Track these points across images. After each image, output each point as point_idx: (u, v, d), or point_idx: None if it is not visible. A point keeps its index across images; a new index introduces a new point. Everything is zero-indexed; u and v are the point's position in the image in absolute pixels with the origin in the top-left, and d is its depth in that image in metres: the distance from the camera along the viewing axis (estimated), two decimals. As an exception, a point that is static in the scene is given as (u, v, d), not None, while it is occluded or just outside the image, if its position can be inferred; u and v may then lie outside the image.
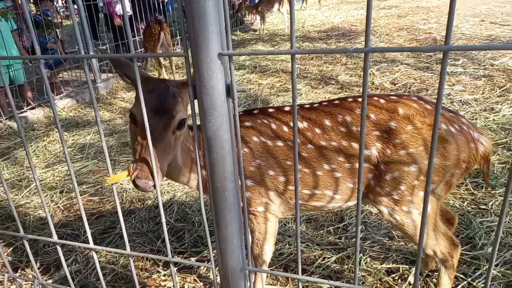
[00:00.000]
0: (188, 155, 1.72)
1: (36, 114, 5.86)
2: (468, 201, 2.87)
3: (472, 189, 2.99)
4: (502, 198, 2.80)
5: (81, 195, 3.59)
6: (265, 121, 1.74)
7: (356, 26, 10.74)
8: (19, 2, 8.16)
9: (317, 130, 1.66)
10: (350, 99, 1.73)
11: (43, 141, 4.97)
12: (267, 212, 1.80)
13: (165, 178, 1.77)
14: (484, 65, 6.09)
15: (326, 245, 2.58)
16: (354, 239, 2.61)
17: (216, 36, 1.04)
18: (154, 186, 1.35)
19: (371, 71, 6.40)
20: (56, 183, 3.82)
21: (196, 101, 1.14)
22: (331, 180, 1.70)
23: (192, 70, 1.11)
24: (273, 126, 1.72)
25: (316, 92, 5.78)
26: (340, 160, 1.65)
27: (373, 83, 5.85)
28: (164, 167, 1.45)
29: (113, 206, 3.35)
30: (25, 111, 5.85)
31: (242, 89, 1.20)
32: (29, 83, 6.27)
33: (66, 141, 4.81)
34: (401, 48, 0.91)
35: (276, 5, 11.15)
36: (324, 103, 1.76)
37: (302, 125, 1.69)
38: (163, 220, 1.38)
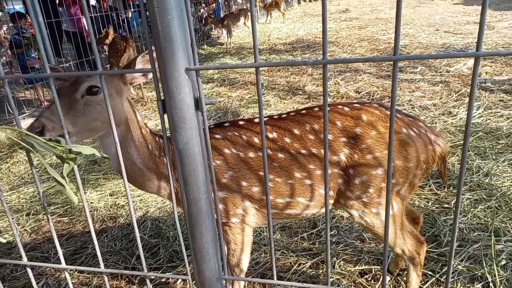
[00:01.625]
0: (151, 160, 1.75)
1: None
2: (432, 201, 3.01)
3: (435, 189, 3.15)
4: (464, 197, 2.96)
5: (50, 216, 3.48)
6: (236, 133, 1.78)
7: (319, 37, 11.07)
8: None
9: (287, 140, 1.72)
10: (316, 109, 1.81)
11: (6, 162, 4.78)
12: (242, 223, 1.83)
13: (132, 186, 1.81)
14: (440, 72, 6.44)
15: (301, 252, 2.63)
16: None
17: (183, 52, 1.08)
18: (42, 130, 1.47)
19: (336, 80, 6.61)
20: (22, 205, 3.68)
21: (166, 115, 1.18)
22: (303, 187, 1.76)
23: (160, 85, 1.15)
24: (244, 137, 1.77)
25: (284, 103, 5.90)
26: (311, 168, 1.72)
27: (338, 92, 6.04)
28: (68, 126, 1.52)
29: (83, 226, 3.27)
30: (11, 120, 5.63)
31: (211, 101, 1.24)
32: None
33: (25, 161, 4.65)
34: (356, 58, 0.99)
35: (242, 19, 11.33)
36: (292, 113, 1.83)
37: (272, 135, 1.74)
38: (137, 234, 1.39)
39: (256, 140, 1.76)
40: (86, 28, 7.87)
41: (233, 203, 1.76)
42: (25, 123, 6.02)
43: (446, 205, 2.95)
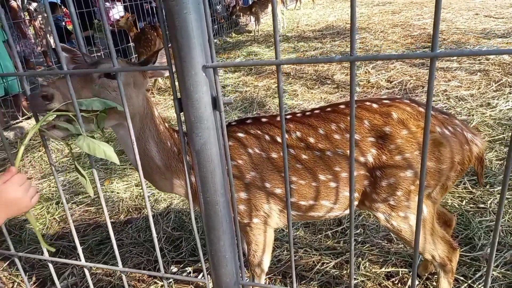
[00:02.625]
0: (170, 157, 1.69)
1: (31, 124, 5.83)
2: (466, 200, 2.84)
3: (470, 188, 2.97)
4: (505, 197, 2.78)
5: (77, 205, 3.56)
6: (259, 131, 1.71)
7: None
8: (18, 11, 8.14)
9: (311, 139, 1.63)
10: (342, 106, 1.71)
11: (39, 151, 4.93)
12: (264, 224, 1.77)
13: (148, 183, 1.77)
14: (479, 60, 6.07)
15: (324, 250, 2.55)
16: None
17: (200, 49, 1.01)
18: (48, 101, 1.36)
19: (366, 69, 6.38)
20: (52, 194, 3.79)
21: (182, 114, 1.12)
22: (327, 190, 1.67)
23: (176, 83, 1.09)
24: (267, 136, 1.69)
25: (312, 93, 5.75)
26: (336, 170, 1.63)
27: (368, 82, 5.83)
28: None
29: (110, 216, 3.32)
30: (21, 121, 5.82)
31: (229, 100, 1.17)
32: (24, 92, 6.23)
33: (62, 150, 4.78)
34: (388, 55, 0.89)
35: (270, 6, 11.12)
36: (316, 111, 1.73)
37: (295, 134, 1.66)
38: (154, 235, 1.36)
39: (279, 139, 1.68)
40: (116, 18, 7.97)
41: (255, 204, 1.70)
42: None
43: (482, 205, 2.77)
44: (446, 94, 4.94)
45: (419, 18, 10.38)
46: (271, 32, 11.33)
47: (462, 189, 2.97)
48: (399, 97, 1.74)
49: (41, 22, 9.08)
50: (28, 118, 5.91)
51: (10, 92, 5.74)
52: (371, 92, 5.45)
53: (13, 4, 7.79)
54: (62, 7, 9.55)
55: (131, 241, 2.92)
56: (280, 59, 0.94)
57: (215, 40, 10.77)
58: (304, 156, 1.63)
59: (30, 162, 4.61)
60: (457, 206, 2.79)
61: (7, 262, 2.83)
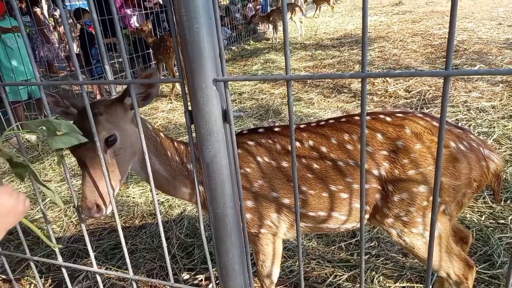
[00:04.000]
0: (173, 167, 1.71)
1: (52, 128, 5.98)
2: (486, 215, 2.76)
3: (490, 202, 2.88)
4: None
5: (94, 209, 3.62)
6: (270, 141, 1.70)
7: (369, 32, 10.64)
8: (41, 17, 8.42)
9: (323, 149, 1.62)
10: (357, 117, 1.69)
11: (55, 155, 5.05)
12: (272, 234, 1.76)
13: (159, 192, 1.78)
14: (502, 70, 5.92)
15: (337, 262, 2.52)
16: (367, 256, 2.54)
17: (211, 62, 1.02)
18: (99, 211, 1.44)
19: (384, 78, 6.30)
20: (71, 197, 3.86)
21: (193, 126, 1.13)
22: (338, 201, 1.65)
23: (188, 96, 1.10)
24: (278, 146, 1.69)
25: (328, 101, 5.72)
26: (347, 181, 1.61)
27: (386, 91, 5.76)
28: (110, 186, 1.38)
29: (125, 221, 3.36)
30: (43, 125, 5.97)
31: (239, 114, 1.18)
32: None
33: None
34: (399, 73, 0.87)
35: (288, 14, 11.17)
36: (330, 121, 1.72)
37: (308, 144, 1.65)
38: (164, 244, 1.37)
39: (290, 149, 1.67)
40: (135, 25, 8.12)
41: (263, 214, 1.69)
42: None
43: (502, 221, 2.69)
44: (467, 105, 4.83)
45: (439, 27, 10.23)
46: (289, 40, 11.34)
47: (481, 203, 2.89)
48: (412, 111, 1.71)
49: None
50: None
51: (33, 96, 5.91)
52: (389, 102, 5.38)
53: (37, 10, 8.05)
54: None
55: (145, 246, 2.95)
56: (290, 75, 0.94)
57: (233, 47, 10.86)
58: (315, 166, 1.62)
59: (50, 165, 4.72)
60: (476, 221, 2.71)
61: (24, 264, 2.89)
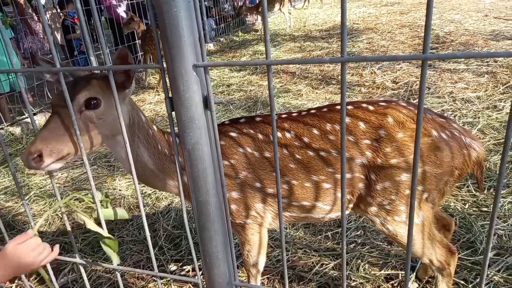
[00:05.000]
0: (162, 159, 1.68)
1: (37, 120, 5.87)
2: (469, 204, 2.80)
3: (473, 191, 2.93)
4: (505, 200, 2.74)
5: (80, 201, 3.58)
6: (252, 131, 1.69)
7: (358, 24, 10.65)
8: (24, 7, 8.21)
9: (305, 139, 1.62)
10: (338, 107, 1.69)
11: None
12: (257, 224, 1.76)
13: (143, 185, 1.76)
14: (487, 62, 5.99)
15: (324, 251, 2.54)
16: (352, 245, 2.56)
17: (190, 47, 1.00)
18: (39, 161, 1.34)
19: (372, 69, 6.33)
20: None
21: (174, 113, 1.12)
22: (321, 191, 1.65)
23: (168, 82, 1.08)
24: (260, 136, 1.68)
25: (316, 93, 5.72)
26: (329, 171, 1.61)
27: (374, 82, 5.78)
28: (70, 147, 1.38)
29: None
30: (27, 117, 5.87)
31: (220, 101, 1.17)
32: (30, 88, 6.29)
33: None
34: (378, 57, 0.87)
35: (277, 5, 11.11)
36: (312, 111, 1.72)
37: (290, 134, 1.64)
38: (147, 234, 1.36)
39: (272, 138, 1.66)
40: (122, 16, 7.99)
41: (248, 204, 1.69)
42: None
43: (485, 209, 2.74)
44: (452, 96, 4.88)
45: (427, 18, 10.27)
46: (277, 31, 11.29)
47: (465, 192, 2.94)
48: (395, 100, 1.71)
49: (49, 18, 9.16)
50: (35, 114, 5.96)
51: (15, 88, 5.79)
52: (377, 93, 5.41)
53: (20, 0, 7.85)
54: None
55: (132, 238, 2.93)
56: (270, 60, 0.93)
57: (222, 39, 10.77)
58: (297, 156, 1.62)
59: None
60: (459, 209, 2.75)
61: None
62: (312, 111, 1.71)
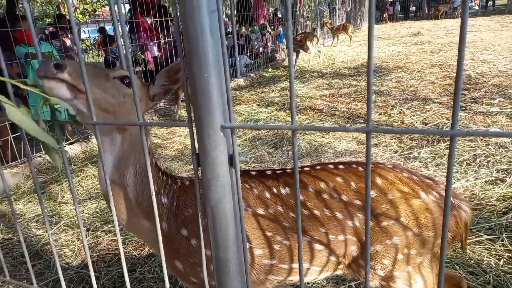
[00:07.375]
0: (146, 195, 1.53)
1: (73, 149, 6.13)
2: (504, 259, 2.65)
3: (508, 245, 2.77)
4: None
5: (106, 233, 3.65)
6: (247, 185, 1.63)
7: (387, 62, 10.68)
8: (67, 43, 8.77)
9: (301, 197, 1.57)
10: (331, 166, 1.67)
11: (77, 176, 5.15)
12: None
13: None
14: (523, 105, 5.82)
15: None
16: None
17: (219, 109, 1.05)
18: (57, 67, 1.19)
19: (401, 109, 6.27)
20: (84, 220, 3.91)
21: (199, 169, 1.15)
22: (313, 252, 1.59)
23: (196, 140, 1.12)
24: (255, 191, 1.61)
25: (343, 132, 5.70)
26: (322, 231, 1.56)
27: (403, 122, 5.71)
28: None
29: (135, 247, 3.37)
30: (64, 146, 6.13)
31: (245, 159, 1.19)
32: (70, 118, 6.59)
33: (94, 176, 4.97)
34: (406, 129, 0.87)
35: (307, 44, 11.33)
36: (305, 168, 1.69)
37: (285, 190, 1.60)
38: (166, 278, 1.36)
39: (267, 195, 1.59)
40: (152, 54, 8.41)
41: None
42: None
43: (522, 266, 2.57)
44: (485, 140, 4.73)
45: (459, 58, 10.18)
46: (306, 68, 11.48)
47: (499, 246, 2.78)
48: (382, 162, 1.70)
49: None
50: (71, 143, 6.22)
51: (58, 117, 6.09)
52: (404, 136, 5.33)
53: (66, 41, 8.32)
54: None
55: (153, 275, 2.94)
56: (295, 125, 0.95)
57: (252, 74, 11.04)
58: (291, 215, 1.56)
59: (68, 186, 4.81)
60: (493, 265, 2.60)
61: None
62: (306, 168, 1.68)
